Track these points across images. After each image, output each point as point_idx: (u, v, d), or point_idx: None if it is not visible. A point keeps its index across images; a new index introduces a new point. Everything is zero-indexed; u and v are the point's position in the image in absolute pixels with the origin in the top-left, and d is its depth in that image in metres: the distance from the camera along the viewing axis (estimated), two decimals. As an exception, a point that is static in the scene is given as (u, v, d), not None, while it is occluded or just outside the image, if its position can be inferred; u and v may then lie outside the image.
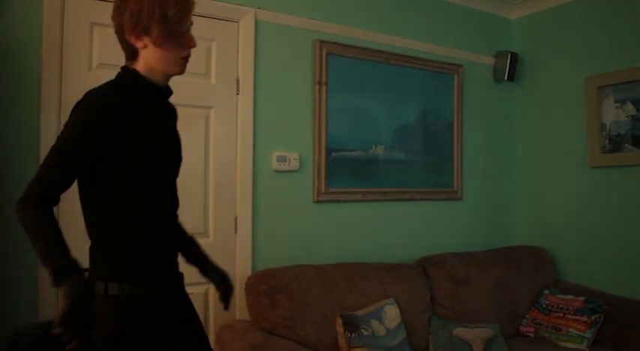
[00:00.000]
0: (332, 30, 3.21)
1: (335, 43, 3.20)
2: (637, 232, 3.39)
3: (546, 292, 3.45)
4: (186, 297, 1.81)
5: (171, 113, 1.82)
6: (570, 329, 3.14)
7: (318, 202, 3.10)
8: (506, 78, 3.93)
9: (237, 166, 2.92)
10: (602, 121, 3.59)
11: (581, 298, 3.28)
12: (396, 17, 3.51)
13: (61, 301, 1.38)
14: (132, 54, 1.66)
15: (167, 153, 1.73)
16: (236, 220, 2.92)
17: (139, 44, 1.63)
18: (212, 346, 2.68)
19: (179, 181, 1.81)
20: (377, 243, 3.35)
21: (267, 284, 2.63)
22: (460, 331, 2.93)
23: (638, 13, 3.42)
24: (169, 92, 1.75)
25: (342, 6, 3.29)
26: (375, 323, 2.68)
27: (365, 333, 2.59)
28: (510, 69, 3.93)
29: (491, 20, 4.05)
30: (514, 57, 3.95)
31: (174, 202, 1.78)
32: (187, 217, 2.71)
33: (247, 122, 2.94)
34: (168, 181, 1.74)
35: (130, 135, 1.57)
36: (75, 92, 2.46)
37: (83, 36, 2.57)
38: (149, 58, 1.64)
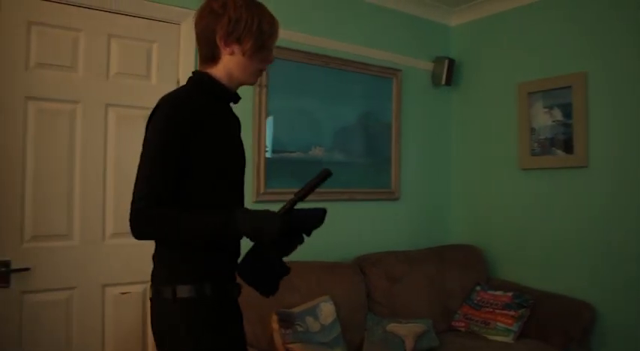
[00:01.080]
0: (273, 34, 3.28)
1: (276, 46, 3.26)
2: (563, 231, 3.59)
3: (478, 288, 3.61)
4: (237, 305, 1.82)
5: (235, 119, 1.85)
6: (498, 323, 3.31)
7: (257, 202, 3.17)
8: (443, 82, 4.09)
9: (178, 166, 2.97)
10: (531, 125, 3.78)
11: (510, 294, 3.45)
12: (336, 22, 3.60)
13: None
14: (212, 57, 1.70)
15: (235, 156, 1.76)
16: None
17: (226, 50, 1.68)
18: (150, 345, 2.73)
19: (122, 180, 1.84)
20: (316, 242, 3.37)
21: (205, 283, 2.69)
22: (394, 327, 3.05)
23: (568, 24, 3.61)
24: (238, 98, 1.80)
25: (283, 10, 3.36)
26: (310, 320, 2.76)
27: (299, 329, 2.67)
28: (448, 74, 4.09)
29: (431, 27, 4.20)
30: (452, 63, 4.10)
31: (241, 204, 1.80)
32: (126, 216, 2.77)
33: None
34: (236, 184, 1.77)
35: (203, 139, 1.59)
36: (10, 92, 2.49)
37: (20, 35, 2.57)
38: (231, 65, 1.70)
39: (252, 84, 1.80)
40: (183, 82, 2.93)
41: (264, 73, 3.18)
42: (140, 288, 2.85)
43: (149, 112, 2.79)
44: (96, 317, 2.73)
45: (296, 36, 3.38)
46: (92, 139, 2.74)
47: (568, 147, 3.57)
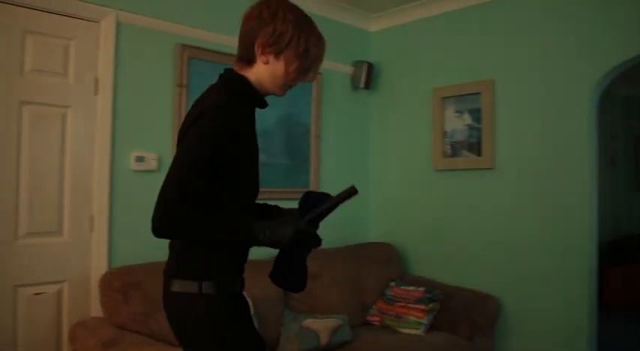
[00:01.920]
0: (194, 34, 3.32)
1: (196, 47, 3.31)
2: (471, 228, 3.81)
3: (392, 284, 3.78)
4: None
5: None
6: (410, 317, 3.48)
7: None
8: (362, 86, 4.23)
9: (95, 165, 2.96)
10: (444, 128, 3.98)
11: (422, 289, 3.63)
12: (258, 25, 3.66)
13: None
14: (248, 60, 1.67)
15: (256, 160, 1.76)
16: (92, 218, 2.95)
17: (262, 59, 1.64)
18: (65, 346, 2.72)
19: (37, 179, 1.82)
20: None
21: (121, 281, 2.71)
22: (309, 322, 3.15)
23: (478, 35, 3.83)
24: (266, 104, 1.77)
25: (204, 11, 3.40)
26: (227, 316, 2.82)
27: (216, 325, 2.72)
28: (367, 78, 4.24)
29: (351, 32, 4.33)
30: (371, 67, 4.26)
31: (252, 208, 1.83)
32: (41, 216, 2.75)
33: (105, 122, 2.97)
34: (256, 185, 1.79)
35: (236, 149, 1.59)
36: None
37: None
38: (263, 74, 1.66)
39: (278, 95, 1.75)
40: (102, 80, 2.95)
41: (184, 73, 3.23)
42: (55, 288, 2.82)
43: (64, 111, 2.79)
44: (7, 319, 2.68)
45: (217, 37, 3.42)
46: (4, 137, 2.69)
47: (477, 149, 3.80)
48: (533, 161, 3.55)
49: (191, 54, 3.27)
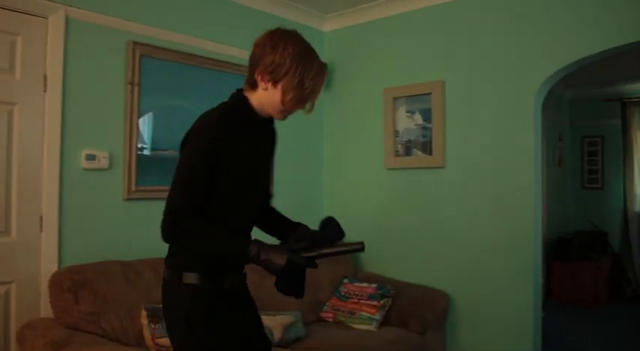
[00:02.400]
0: (146, 32, 3.29)
1: (149, 45, 3.28)
2: (421, 226, 3.90)
3: (345, 280, 3.83)
4: (247, 292, 2.01)
5: (268, 140, 1.96)
6: (363, 313, 3.54)
7: (128, 199, 3.18)
8: (316, 85, 4.26)
9: (44, 163, 2.91)
10: (396, 128, 4.06)
11: (374, 285, 3.70)
12: (211, 23, 3.67)
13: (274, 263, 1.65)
14: (252, 84, 1.81)
15: (254, 172, 1.87)
16: (41, 217, 2.90)
17: (262, 85, 1.77)
18: (12, 348, 2.67)
19: None
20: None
21: (71, 280, 2.67)
22: (263, 319, 3.15)
23: (429, 36, 3.92)
24: (270, 122, 1.93)
25: (157, 9, 3.38)
26: (180, 314, 2.82)
27: (169, 324, 2.72)
28: (320, 77, 4.27)
29: (306, 31, 4.27)
30: (324, 66, 4.29)
31: (254, 215, 1.95)
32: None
33: (55, 120, 2.93)
34: (251, 197, 1.89)
35: (228, 156, 1.73)
36: None
37: None
38: (264, 99, 1.79)
39: (279, 119, 1.88)
40: (50, 77, 2.91)
41: (136, 71, 3.20)
42: (2, 289, 2.78)
43: (10, 108, 2.74)
44: (-50, 320, 2.62)
45: (171, 35, 3.41)
46: (-53, 134, 2.62)
47: (428, 149, 3.88)
48: (481, 160, 3.65)
49: (143, 52, 3.25)
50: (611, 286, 6.60)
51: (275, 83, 1.76)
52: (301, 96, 1.78)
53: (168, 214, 1.68)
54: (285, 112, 1.84)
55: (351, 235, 4.37)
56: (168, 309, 1.83)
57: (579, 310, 6.20)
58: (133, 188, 3.19)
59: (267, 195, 2.07)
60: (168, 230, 1.68)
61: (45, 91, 2.92)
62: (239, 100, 1.84)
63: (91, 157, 3.03)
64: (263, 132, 1.93)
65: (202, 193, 1.70)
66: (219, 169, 1.72)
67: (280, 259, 1.66)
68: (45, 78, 2.92)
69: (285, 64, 1.73)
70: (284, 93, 1.76)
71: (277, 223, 2.07)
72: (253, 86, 1.81)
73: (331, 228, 1.93)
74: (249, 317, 1.97)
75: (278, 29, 1.84)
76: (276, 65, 1.74)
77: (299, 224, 2.04)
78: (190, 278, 1.77)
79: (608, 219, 7.11)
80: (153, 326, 2.69)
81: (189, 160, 1.72)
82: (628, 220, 6.88)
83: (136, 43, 3.22)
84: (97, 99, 3.09)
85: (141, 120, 3.27)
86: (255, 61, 1.80)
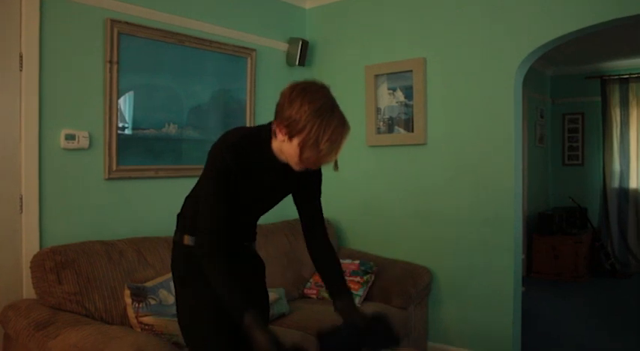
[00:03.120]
0: (125, 9, 3.24)
1: (127, 22, 3.24)
2: (403, 203, 3.93)
3: (328, 257, 3.86)
4: (250, 258, 2.19)
5: (283, 169, 1.90)
6: (346, 289, 3.57)
7: (109, 179, 3.16)
8: (297, 63, 4.25)
9: (22, 144, 2.87)
10: (377, 105, 4.06)
11: (357, 262, 3.73)
12: (191, 1, 3.62)
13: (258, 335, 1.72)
14: (274, 132, 1.82)
15: (255, 196, 1.98)
16: (21, 198, 2.87)
17: (279, 136, 1.77)
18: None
19: None
20: (170, 218, 3.46)
21: (53, 261, 2.66)
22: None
23: (410, 13, 3.91)
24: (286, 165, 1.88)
25: (135, -14, 3.33)
26: (163, 293, 2.83)
27: (152, 302, 2.73)
28: (302, 55, 4.26)
29: (286, 8, 4.33)
30: (305, 44, 4.27)
31: (251, 216, 2.10)
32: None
33: (32, 100, 2.88)
34: (249, 209, 2.03)
35: (237, 176, 1.84)
36: None
37: None
38: (283, 148, 1.79)
39: (297, 170, 1.84)
40: (26, 56, 2.85)
41: (115, 50, 3.16)
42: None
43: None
44: None
45: (150, 13, 3.36)
46: None
47: (409, 126, 3.90)
48: (462, 137, 3.68)
49: (121, 29, 3.20)
50: (591, 260, 6.73)
51: (290, 137, 1.73)
52: (317, 157, 1.73)
53: (205, 235, 1.87)
54: (302, 165, 1.80)
55: (332, 212, 4.37)
56: (172, 267, 2.08)
57: (559, 284, 6.32)
58: (114, 168, 3.17)
59: (314, 220, 2.12)
60: (204, 256, 1.85)
61: (21, 70, 2.87)
62: (266, 137, 1.86)
63: (70, 137, 3.00)
64: (274, 164, 1.91)
65: (225, 206, 1.86)
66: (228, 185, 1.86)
67: (263, 341, 1.70)
68: (21, 57, 2.87)
69: (300, 121, 1.69)
70: (300, 148, 1.72)
71: (326, 276, 2.11)
72: (274, 134, 1.82)
73: (384, 328, 1.93)
74: (245, 284, 1.98)
75: (301, 83, 1.80)
76: (292, 121, 1.71)
77: (344, 295, 2.04)
78: (189, 240, 1.99)
79: (587, 195, 7.21)
80: (137, 305, 2.69)
81: (206, 178, 1.88)
82: (607, 196, 6.98)
83: (113, 21, 3.16)
84: (75, 78, 3.05)
85: (121, 99, 3.23)
86: (277, 111, 1.78)
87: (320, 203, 2.14)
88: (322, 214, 2.15)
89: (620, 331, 4.53)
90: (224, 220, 1.85)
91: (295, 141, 1.72)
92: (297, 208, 2.13)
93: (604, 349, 4.11)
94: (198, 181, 2.02)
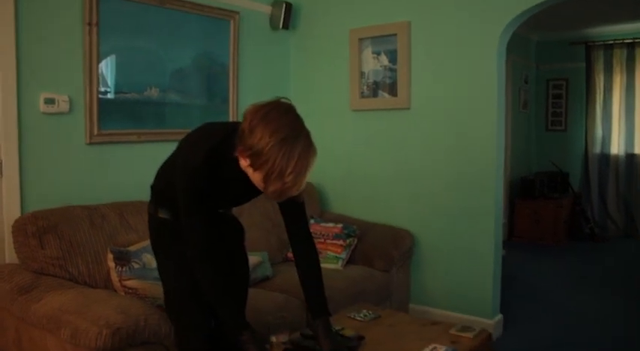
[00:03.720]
0: (103, -30, 3.16)
1: (108, -16, 3.16)
2: (386, 167, 3.96)
3: (311, 221, 3.88)
4: (230, 224, 2.32)
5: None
6: (329, 252, 3.61)
7: (91, 144, 3.13)
8: (281, 26, 4.20)
9: (0, 108, 2.83)
10: (362, 69, 4.04)
11: (340, 225, 3.76)
12: (171, -39, 3.54)
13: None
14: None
15: (228, 199, 2.12)
16: (1, 163, 2.84)
17: (242, 162, 1.71)
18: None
19: None
20: (151, 182, 3.48)
21: (35, 225, 2.66)
22: (231, 260, 3.21)
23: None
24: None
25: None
26: (147, 257, 2.83)
27: (136, 266, 2.74)
28: (285, 18, 4.20)
29: (270, -29, 4.25)
30: (289, 7, 4.21)
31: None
32: None
33: (9, 63, 2.81)
34: (224, 206, 2.20)
35: (206, 189, 1.87)
36: None
37: None
38: (249, 171, 1.71)
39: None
40: (1, 17, 2.78)
41: (94, 11, 3.09)
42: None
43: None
44: None
45: (128, -27, 3.28)
46: None
47: (393, 90, 3.89)
48: (446, 102, 3.68)
49: (101, -9, 3.13)
50: (571, 225, 6.85)
51: (254, 170, 1.67)
52: (282, 189, 1.65)
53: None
54: (271, 198, 1.74)
55: (316, 176, 4.38)
56: (149, 236, 2.23)
57: (540, 247, 6.43)
58: (96, 132, 3.14)
59: (295, 218, 2.12)
60: (195, 261, 1.95)
61: (-3, 32, 2.81)
62: (230, 144, 1.78)
63: (49, 101, 2.95)
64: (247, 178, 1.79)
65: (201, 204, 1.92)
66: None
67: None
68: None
69: (262, 154, 1.62)
70: (265, 182, 1.66)
71: (307, 290, 2.12)
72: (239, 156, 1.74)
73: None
74: (227, 245, 2.20)
75: (264, 107, 1.71)
76: (254, 151, 1.64)
77: (323, 314, 2.07)
78: (162, 213, 2.14)
79: (569, 160, 7.29)
80: (120, 269, 2.71)
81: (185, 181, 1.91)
82: (588, 161, 7.06)
83: (92, -18, 3.09)
84: (53, 40, 2.98)
85: (103, 62, 3.18)
86: (239, 136, 1.71)
87: (302, 201, 2.05)
88: (304, 212, 2.10)
89: (597, 293, 4.64)
90: (205, 230, 1.91)
91: (258, 174, 1.66)
92: (280, 208, 2.08)
93: (580, 310, 4.22)
94: (172, 160, 2.05)
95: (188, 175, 1.85)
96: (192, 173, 1.84)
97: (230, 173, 1.84)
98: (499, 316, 3.70)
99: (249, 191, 1.88)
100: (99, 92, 3.15)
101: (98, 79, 3.14)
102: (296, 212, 2.10)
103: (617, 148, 6.99)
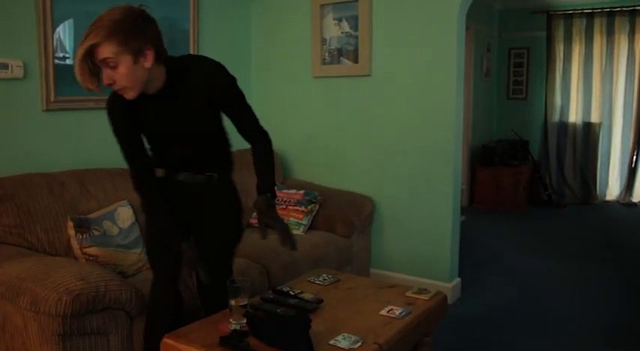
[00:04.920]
0: None
1: (60, -55, 3.07)
2: (348, 133, 3.99)
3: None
4: (205, 194, 2.32)
5: (178, 92, 2.10)
6: (290, 218, 3.65)
7: (47, 110, 3.08)
8: (243, -8, 4.15)
9: (-48, 73, 2.76)
10: (323, 36, 4.03)
11: (302, 192, 3.80)
12: None
13: None
14: None
15: (159, 132, 2.18)
16: (-46, 130, 2.79)
17: (147, 64, 2.07)
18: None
19: None
20: (113, 149, 3.43)
21: (-9, 194, 2.63)
22: (193, 227, 3.23)
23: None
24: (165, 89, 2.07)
25: None
26: (107, 224, 2.84)
27: (96, 233, 2.74)
28: (247, -17, 4.15)
29: None
30: (251, -28, 4.16)
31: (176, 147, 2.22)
32: None
33: (-40, 26, 2.75)
34: (168, 143, 2.21)
35: (131, 127, 2.14)
36: None
37: None
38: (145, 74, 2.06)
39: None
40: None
41: (48, -26, 3.00)
42: None
43: None
44: None
45: None
46: None
47: (354, 57, 3.90)
48: (406, 68, 3.71)
49: (54, -48, 3.04)
50: (530, 191, 7.03)
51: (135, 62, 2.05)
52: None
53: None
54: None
55: (278, 143, 4.38)
56: None
57: (499, 213, 6.60)
58: (52, 99, 3.08)
59: (247, 133, 2.34)
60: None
61: (-54, -6, 2.72)
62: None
63: (2, 66, 2.88)
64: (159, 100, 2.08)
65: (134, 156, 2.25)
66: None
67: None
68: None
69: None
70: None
71: (256, 174, 2.30)
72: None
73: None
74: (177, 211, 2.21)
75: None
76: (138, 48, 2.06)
77: (260, 192, 2.24)
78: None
79: (530, 128, 7.44)
80: (81, 236, 2.70)
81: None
82: (548, 129, 7.22)
83: (45, -57, 3.00)
84: (4, 4, 2.90)
85: (60, 27, 3.10)
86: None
87: (244, 111, 2.31)
88: (251, 119, 2.34)
89: (552, 258, 4.81)
90: (138, 172, 2.21)
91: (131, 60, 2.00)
92: (232, 122, 2.33)
93: (535, 274, 4.37)
94: None
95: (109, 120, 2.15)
96: (109, 117, 2.15)
97: (140, 102, 2.03)
98: (457, 280, 3.82)
99: (172, 113, 2.09)
100: (55, 58, 3.09)
101: (54, 44, 3.07)
102: (243, 121, 2.34)
103: (575, 116, 7.15)
